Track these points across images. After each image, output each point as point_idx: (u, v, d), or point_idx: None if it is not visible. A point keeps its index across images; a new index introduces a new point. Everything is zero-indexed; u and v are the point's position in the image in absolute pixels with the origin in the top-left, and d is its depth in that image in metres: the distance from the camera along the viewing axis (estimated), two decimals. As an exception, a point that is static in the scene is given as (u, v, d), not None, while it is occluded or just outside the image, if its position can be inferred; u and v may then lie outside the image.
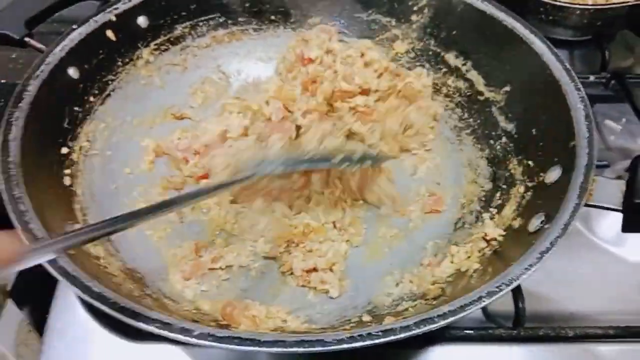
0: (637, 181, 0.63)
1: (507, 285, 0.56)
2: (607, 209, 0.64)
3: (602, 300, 0.79)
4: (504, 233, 0.72)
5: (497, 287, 0.56)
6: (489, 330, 0.73)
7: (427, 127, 0.91)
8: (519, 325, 0.72)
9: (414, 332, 0.53)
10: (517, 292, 0.72)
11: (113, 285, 0.64)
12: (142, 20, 0.91)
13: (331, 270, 0.76)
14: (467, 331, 0.72)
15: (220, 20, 0.98)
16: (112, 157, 0.85)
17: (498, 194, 0.80)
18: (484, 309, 0.77)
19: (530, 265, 0.58)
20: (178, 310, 0.68)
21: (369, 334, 0.53)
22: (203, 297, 0.73)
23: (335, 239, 0.79)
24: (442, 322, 0.53)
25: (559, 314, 0.78)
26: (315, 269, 0.75)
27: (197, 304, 0.71)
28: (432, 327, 0.53)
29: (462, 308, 0.54)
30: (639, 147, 0.99)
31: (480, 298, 0.55)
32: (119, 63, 0.90)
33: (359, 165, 0.79)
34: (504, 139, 0.85)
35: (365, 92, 0.92)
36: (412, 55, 0.98)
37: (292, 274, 0.76)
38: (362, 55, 0.93)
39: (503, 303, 0.73)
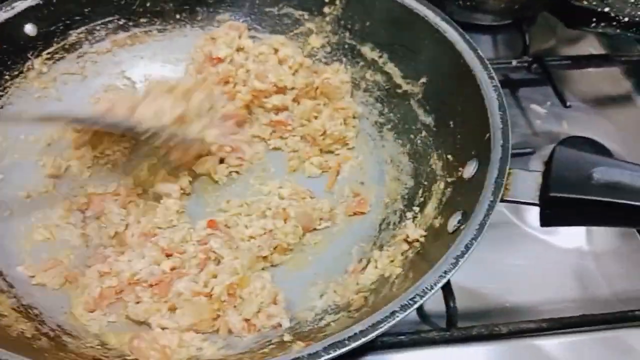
0: (553, 173, 0.60)
1: (422, 296, 0.53)
2: (524, 203, 0.62)
3: (538, 291, 0.78)
4: (425, 234, 0.69)
5: (410, 299, 0.53)
6: (422, 334, 0.70)
7: (348, 128, 0.87)
8: (452, 326, 0.70)
9: (323, 358, 0.49)
10: (447, 292, 0.70)
11: (-1, 330, 0.58)
12: (29, 28, 0.83)
13: (274, 303, 0.70)
14: (400, 337, 0.69)
15: (120, 22, 0.91)
16: (5, 180, 0.78)
17: (420, 192, 0.77)
18: (418, 310, 0.75)
19: (446, 272, 0.55)
20: (79, 348, 0.62)
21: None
22: (110, 330, 0.67)
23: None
24: (353, 344, 0.50)
25: (494, 310, 0.76)
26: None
27: (103, 338, 0.65)
28: (343, 350, 0.49)
29: (374, 327, 0.51)
30: (565, 130, 0.98)
31: (393, 313, 0.52)
32: (7, 77, 0.82)
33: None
34: (423, 133, 0.82)
35: (281, 90, 0.88)
36: (328, 49, 0.94)
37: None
38: (276, 51, 0.90)
39: (437, 302, 0.71)
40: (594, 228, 0.84)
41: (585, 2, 0.94)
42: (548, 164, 0.62)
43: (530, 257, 0.82)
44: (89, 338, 0.65)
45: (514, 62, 1.03)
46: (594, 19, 0.95)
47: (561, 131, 0.98)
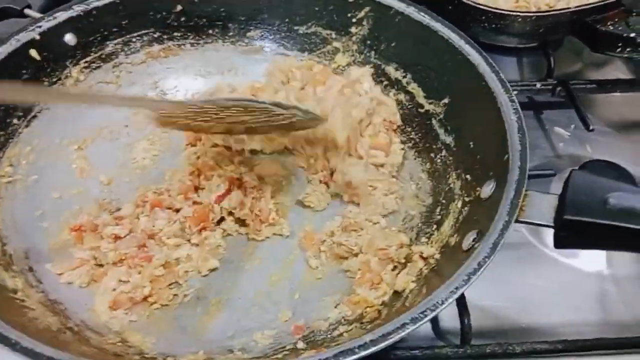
0: (569, 197, 0.61)
1: (432, 310, 0.54)
2: (538, 225, 0.63)
3: (556, 313, 0.77)
4: (440, 251, 0.70)
5: (421, 313, 0.54)
6: (435, 349, 0.70)
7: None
8: (466, 343, 0.70)
9: (333, 365, 0.50)
10: (462, 309, 0.70)
11: (26, 321, 0.61)
12: (69, 38, 0.87)
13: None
14: (413, 351, 0.69)
15: (155, 35, 0.95)
16: (38, 181, 0.81)
17: (438, 209, 0.79)
18: (432, 325, 0.76)
19: (457, 288, 0.56)
20: (101, 344, 0.65)
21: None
22: (131, 329, 0.69)
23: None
24: (363, 353, 0.51)
25: (510, 329, 0.76)
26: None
27: (124, 335, 0.68)
28: (353, 358, 0.51)
29: (384, 337, 0.52)
30: (588, 154, 0.98)
31: (403, 325, 0.53)
32: (46, 83, 0.86)
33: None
34: (444, 152, 0.83)
35: None
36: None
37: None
38: None
39: (453, 319, 0.71)
40: (615, 252, 0.83)
41: (611, 27, 0.95)
42: (564, 187, 0.63)
43: (549, 279, 0.81)
44: (110, 335, 0.67)
45: (539, 85, 1.03)
46: (620, 44, 0.95)
47: (584, 155, 0.97)
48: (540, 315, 0.77)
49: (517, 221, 0.62)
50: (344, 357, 0.51)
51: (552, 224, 0.62)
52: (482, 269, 0.57)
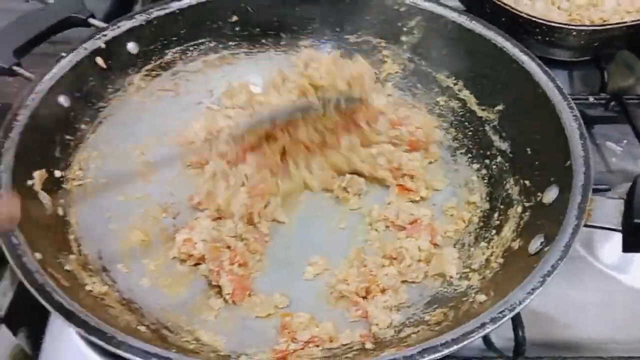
0: (636, 201, 0.62)
1: (510, 310, 0.56)
2: (607, 229, 0.64)
3: (606, 328, 0.77)
4: (502, 255, 0.72)
5: (499, 312, 0.56)
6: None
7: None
8: (519, 355, 0.70)
9: (417, 362, 0.52)
10: (517, 320, 0.70)
11: (110, 318, 0.63)
12: (131, 46, 0.91)
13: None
14: (467, 362, 0.70)
15: (211, 44, 0.98)
16: (106, 184, 0.84)
17: (496, 215, 0.80)
18: (484, 336, 0.74)
19: (533, 289, 0.57)
20: (176, 342, 0.67)
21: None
22: (202, 327, 0.71)
23: None
24: (446, 351, 0.53)
25: (561, 342, 0.76)
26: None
27: (196, 334, 0.70)
28: (436, 356, 0.52)
29: (465, 336, 0.54)
30: (641, 169, 0.97)
31: (483, 325, 0.55)
32: (110, 90, 0.89)
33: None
34: (499, 158, 0.85)
35: None
36: (403, 75, 0.98)
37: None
38: None
39: (503, 330, 0.70)
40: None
41: None
42: (631, 191, 0.64)
43: (601, 294, 0.80)
44: (182, 333, 0.69)
45: (591, 99, 1.01)
46: None
47: (637, 170, 0.96)
48: (590, 330, 0.77)
49: (585, 225, 0.63)
50: (428, 354, 0.52)
51: (620, 228, 0.63)
52: (555, 271, 0.59)
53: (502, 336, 0.73)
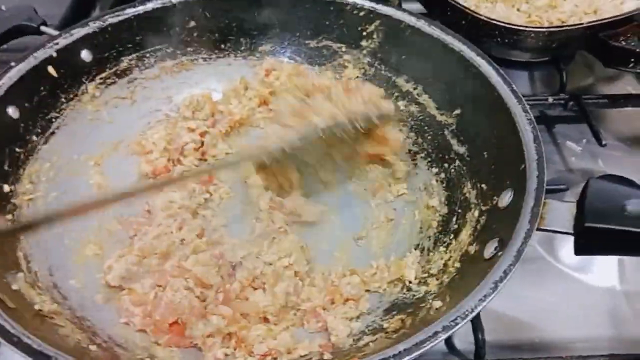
0: (587, 204, 0.63)
1: (463, 318, 0.55)
2: (559, 232, 0.64)
3: (568, 328, 0.78)
4: (460, 260, 0.72)
5: (452, 321, 0.55)
6: (449, 364, 0.71)
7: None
8: (480, 358, 0.71)
9: (368, 375, 0.51)
10: (476, 323, 0.71)
11: (58, 338, 0.61)
12: (85, 54, 0.89)
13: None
14: (427, 367, 0.70)
15: (168, 50, 0.96)
16: (59, 197, 0.82)
17: (454, 219, 0.80)
18: (446, 340, 0.76)
19: (485, 296, 0.57)
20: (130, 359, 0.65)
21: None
22: (157, 344, 0.70)
23: None
24: (398, 362, 0.52)
25: (523, 344, 0.76)
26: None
27: (152, 350, 0.68)
28: (388, 366, 0.52)
29: (417, 346, 0.53)
30: (600, 168, 0.98)
31: (435, 333, 0.54)
32: (63, 99, 0.87)
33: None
34: (457, 162, 0.85)
35: None
36: (362, 80, 0.98)
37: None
38: None
39: (465, 334, 0.72)
40: (627, 267, 0.84)
41: (624, 43, 0.95)
42: (582, 195, 0.64)
43: (562, 294, 0.81)
44: (137, 350, 0.68)
45: (551, 99, 1.03)
46: (632, 60, 0.95)
47: (596, 169, 0.97)
48: (552, 330, 0.78)
49: (538, 229, 0.63)
50: (379, 366, 0.52)
51: (572, 231, 0.63)
52: (507, 277, 0.59)
53: (465, 340, 0.74)
